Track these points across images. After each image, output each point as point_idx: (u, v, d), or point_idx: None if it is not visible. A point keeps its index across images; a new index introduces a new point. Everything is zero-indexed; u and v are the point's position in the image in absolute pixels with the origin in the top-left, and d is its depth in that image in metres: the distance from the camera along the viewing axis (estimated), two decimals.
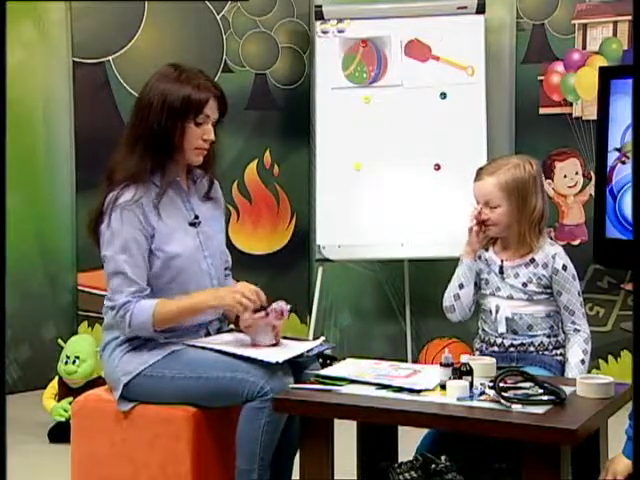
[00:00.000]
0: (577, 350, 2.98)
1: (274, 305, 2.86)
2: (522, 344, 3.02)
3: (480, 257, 3.10)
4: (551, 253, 3.01)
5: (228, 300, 2.83)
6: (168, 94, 2.83)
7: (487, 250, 3.10)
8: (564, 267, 3.00)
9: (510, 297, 3.02)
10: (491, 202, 3.00)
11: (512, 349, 3.02)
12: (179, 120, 2.83)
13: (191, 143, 2.87)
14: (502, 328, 3.02)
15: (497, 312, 3.03)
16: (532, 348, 3.01)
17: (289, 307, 2.89)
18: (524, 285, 3.01)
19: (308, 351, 2.86)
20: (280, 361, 2.73)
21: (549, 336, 3.01)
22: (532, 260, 3.02)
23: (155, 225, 2.85)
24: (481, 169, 3.08)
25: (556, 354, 3.01)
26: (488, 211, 3.01)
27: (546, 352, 3.01)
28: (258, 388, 2.70)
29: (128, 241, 2.82)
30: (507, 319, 3.01)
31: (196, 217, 2.96)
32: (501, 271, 3.04)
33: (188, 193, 2.98)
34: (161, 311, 2.81)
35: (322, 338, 3.01)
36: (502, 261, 3.05)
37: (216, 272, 2.98)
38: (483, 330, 3.10)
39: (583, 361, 2.97)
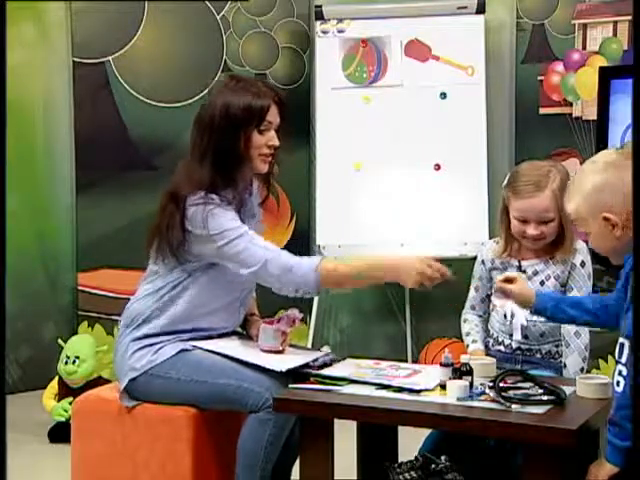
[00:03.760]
0: (577, 359, 2.93)
1: (288, 312, 2.86)
2: (530, 349, 3.00)
3: (493, 261, 3.07)
4: (573, 247, 2.98)
5: (408, 281, 2.80)
6: (230, 105, 2.81)
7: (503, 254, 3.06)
8: (582, 263, 2.97)
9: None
10: (547, 217, 2.92)
11: (518, 352, 3.00)
12: (242, 129, 2.82)
13: (256, 151, 2.86)
14: (517, 335, 2.99)
15: (512, 318, 3.00)
16: (539, 355, 2.99)
17: (301, 315, 2.89)
18: (541, 284, 2.97)
19: (313, 361, 2.84)
20: (284, 370, 2.72)
21: (557, 345, 2.99)
22: (552, 257, 2.98)
23: None
24: (523, 184, 2.93)
25: (561, 361, 2.98)
26: (543, 227, 2.93)
27: (552, 360, 2.99)
28: (263, 400, 2.69)
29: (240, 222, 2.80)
30: (522, 326, 2.98)
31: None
32: (520, 271, 2.98)
33: (249, 207, 2.97)
34: (328, 262, 2.78)
35: (327, 349, 3.00)
36: (519, 261, 3.01)
37: (251, 284, 2.98)
38: (492, 327, 3.07)
39: (582, 369, 2.93)
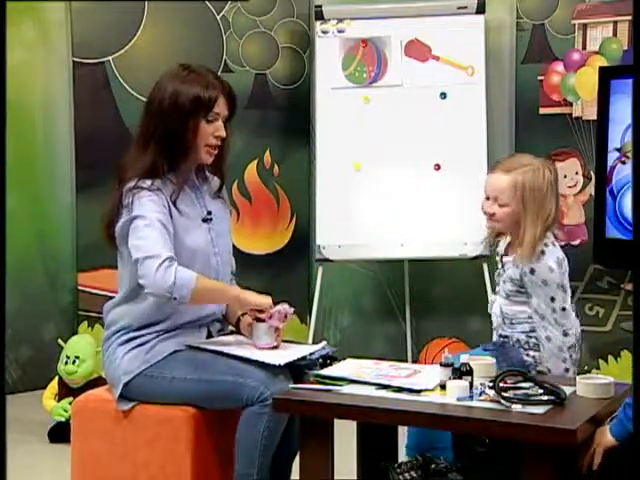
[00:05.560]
0: (555, 362, 2.93)
1: (278, 307, 2.86)
2: (506, 336, 3.04)
3: (498, 253, 3.14)
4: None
5: (258, 296, 2.87)
6: (178, 94, 2.85)
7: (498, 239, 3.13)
8: (532, 271, 2.93)
9: (498, 291, 3.07)
10: (500, 199, 2.97)
11: (500, 338, 3.07)
12: (190, 119, 2.85)
13: (203, 140, 2.89)
14: (494, 322, 3.08)
15: (492, 307, 3.10)
16: (510, 342, 3.02)
17: (292, 310, 2.89)
18: (504, 282, 3.03)
19: (310, 354, 2.85)
20: (282, 364, 2.73)
21: (529, 336, 2.99)
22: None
23: (175, 216, 2.86)
24: (498, 162, 3.05)
25: (528, 354, 2.99)
26: (496, 206, 2.98)
27: (521, 349, 3.00)
28: (258, 393, 2.70)
29: (161, 213, 2.81)
30: (496, 315, 3.06)
31: (209, 213, 2.97)
32: (501, 265, 3.08)
33: (200, 190, 3.00)
34: (202, 281, 2.78)
35: (324, 342, 3.01)
36: (502, 257, 3.08)
37: (224, 269, 2.99)
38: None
39: (567, 370, 2.93)
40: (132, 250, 2.79)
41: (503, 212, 2.97)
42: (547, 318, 2.94)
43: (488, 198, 3.02)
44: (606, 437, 2.39)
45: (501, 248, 3.11)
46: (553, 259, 2.94)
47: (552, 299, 2.93)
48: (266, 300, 2.87)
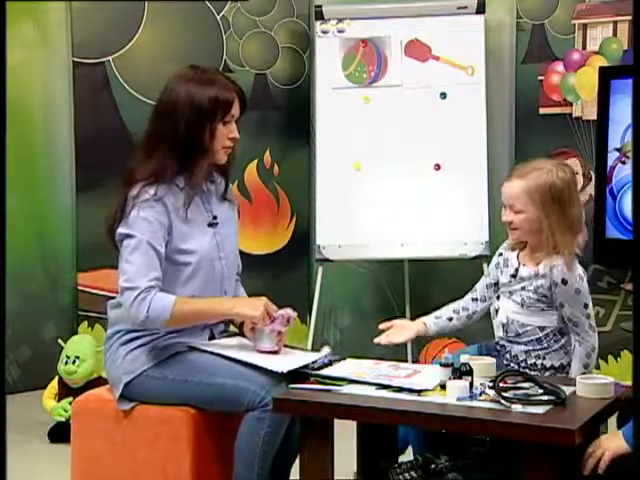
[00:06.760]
0: (578, 364, 2.90)
1: (281, 311, 2.85)
2: (504, 346, 2.98)
3: (502, 254, 3.05)
4: (551, 264, 2.89)
5: (249, 309, 2.84)
6: (194, 95, 2.82)
7: (513, 250, 3.02)
8: (564, 281, 2.87)
9: (509, 298, 2.97)
10: (514, 206, 2.90)
11: (499, 347, 3.01)
12: (208, 121, 2.83)
13: (220, 143, 2.88)
14: (499, 332, 2.99)
15: (497, 315, 3.02)
16: (508, 355, 2.96)
17: (295, 314, 2.89)
18: (522, 289, 2.92)
19: (313, 362, 2.84)
20: (285, 371, 2.72)
21: (527, 352, 2.92)
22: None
23: (176, 225, 2.84)
24: (514, 170, 2.98)
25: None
26: (512, 214, 2.92)
27: (515, 365, 2.93)
28: (259, 398, 2.69)
29: (152, 232, 2.79)
30: (502, 324, 2.98)
31: (214, 218, 2.96)
32: (514, 275, 2.96)
33: (207, 194, 2.98)
34: (181, 307, 2.77)
35: (327, 350, 3.00)
36: (519, 264, 2.96)
37: (229, 273, 2.98)
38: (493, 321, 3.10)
39: (583, 374, 2.90)
40: (119, 274, 2.81)
41: (520, 219, 2.90)
42: (581, 325, 2.89)
43: (506, 207, 2.95)
44: (617, 442, 2.36)
45: (511, 255, 3.01)
46: (580, 268, 2.92)
47: (585, 305, 2.90)
48: (257, 314, 2.81)
